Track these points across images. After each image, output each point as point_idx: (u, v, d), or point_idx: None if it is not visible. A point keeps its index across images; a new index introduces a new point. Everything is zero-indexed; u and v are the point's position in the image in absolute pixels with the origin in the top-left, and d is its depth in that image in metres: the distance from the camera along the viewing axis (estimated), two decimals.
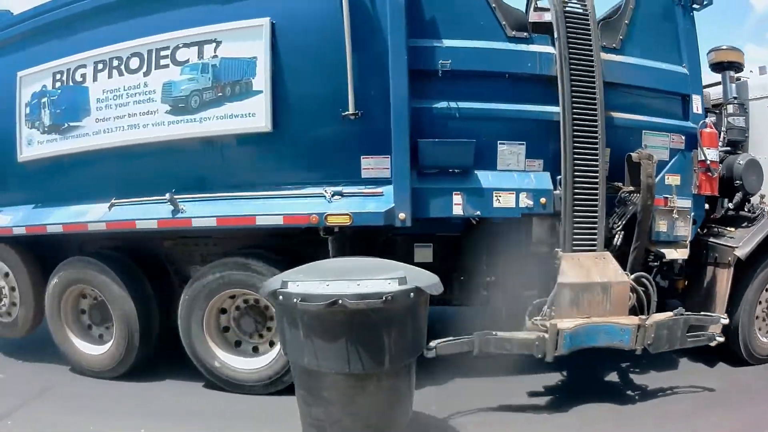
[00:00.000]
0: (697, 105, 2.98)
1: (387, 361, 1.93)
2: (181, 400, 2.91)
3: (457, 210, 2.66)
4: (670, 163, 2.90)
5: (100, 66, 3.03)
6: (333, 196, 2.60)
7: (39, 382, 3.22)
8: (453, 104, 2.70)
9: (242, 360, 2.87)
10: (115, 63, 2.98)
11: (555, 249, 2.70)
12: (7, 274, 3.47)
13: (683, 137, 2.94)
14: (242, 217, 2.66)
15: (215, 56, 2.77)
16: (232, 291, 2.84)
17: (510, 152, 2.76)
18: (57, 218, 3.09)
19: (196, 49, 2.80)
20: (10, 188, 3.43)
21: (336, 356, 1.89)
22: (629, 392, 2.78)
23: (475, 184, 2.68)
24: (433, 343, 2.40)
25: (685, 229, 2.88)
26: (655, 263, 2.94)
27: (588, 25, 2.78)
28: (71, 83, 3.12)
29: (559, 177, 2.75)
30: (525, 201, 2.70)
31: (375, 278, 1.92)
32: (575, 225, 2.68)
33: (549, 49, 2.82)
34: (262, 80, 2.68)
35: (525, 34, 2.81)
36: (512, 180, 2.72)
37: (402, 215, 2.56)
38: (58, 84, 3.17)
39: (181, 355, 3.00)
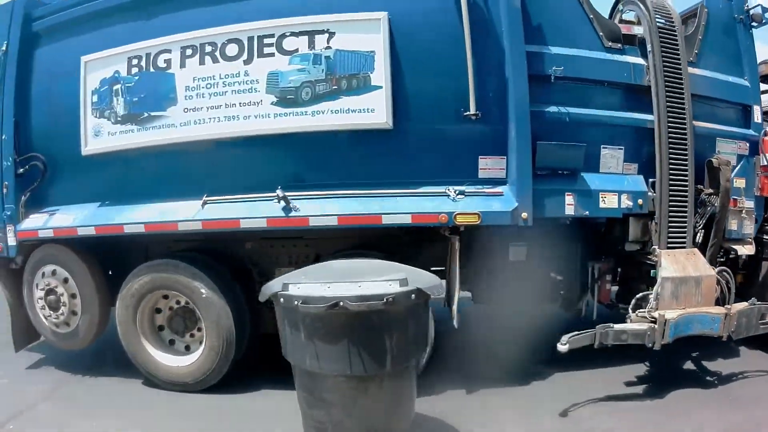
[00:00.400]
0: (757, 114, 3.36)
1: (388, 362, 1.95)
2: (180, 399, 2.87)
3: (569, 210, 2.81)
4: (737, 168, 3.24)
5: (189, 51, 2.85)
6: (458, 195, 2.65)
7: (41, 385, 3.22)
8: (563, 109, 2.85)
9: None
10: (208, 49, 2.82)
11: (652, 246, 2.95)
12: (66, 280, 3.15)
13: (747, 144, 3.30)
14: (367, 215, 2.62)
15: (328, 47, 2.71)
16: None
17: (611, 156, 2.95)
18: (137, 217, 2.87)
19: (306, 39, 2.72)
20: (70, 185, 3.13)
21: (337, 358, 1.91)
22: (708, 378, 3.08)
23: (584, 186, 2.85)
24: (564, 338, 2.55)
25: (750, 227, 3.25)
26: (722, 258, 3.29)
27: (676, 39, 3.05)
28: (152, 69, 2.91)
29: (650, 180, 3.00)
30: (625, 202, 2.91)
31: (376, 280, 1.94)
32: (669, 224, 2.94)
33: (639, 60, 3.06)
34: (381, 75, 2.67)
35: (619, 45, 3.03)
36: (614, 182, 2.93)
37: (524, 215, 2.67)
38: (135, 70, 2.94)
39: None
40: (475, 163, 2.77)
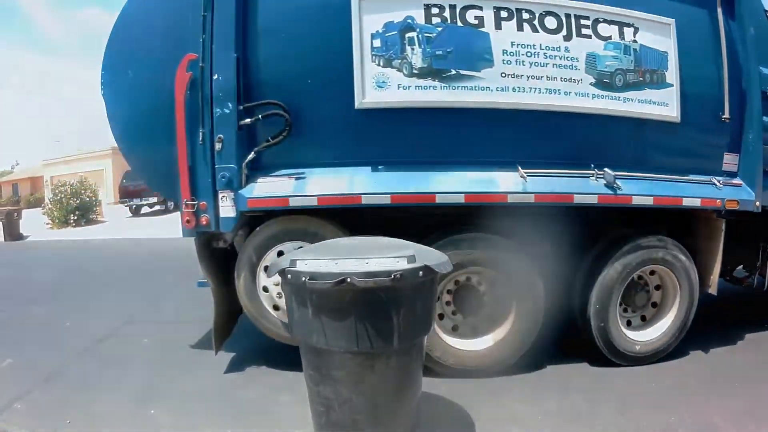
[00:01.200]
0: None
1: (396, 339, 2.02)
2: (186, 381, 3.11)
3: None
4: None
5: (504, 14, 2.96)
6: (720, 184, 3.36)
7: (47, 365, 3.45)
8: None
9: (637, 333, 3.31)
10: (526, 16, 2.98)
11: None
12: None
13: None
14: (673, 197, 3.18)
15: (635, 41, 3.15)
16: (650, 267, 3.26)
17: None
18: (449, 185, 2.84)
19: (617, 29, 3.12)
20: (328, 142, 2.86)
21: (344, 335, 1.98)
22: None
23: None
24: None
25: None
26: None
27: None
28: (460, 23, 2.92)
29: None
30: None
31: (384, 256, 2.02)
32: None
33: None
34: (673, 74, 3.23)
35: None
36: None
37: (758, 203, 3.52)
38: (436, 20, 2.91)
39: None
40: (721, 158, 3.53)
